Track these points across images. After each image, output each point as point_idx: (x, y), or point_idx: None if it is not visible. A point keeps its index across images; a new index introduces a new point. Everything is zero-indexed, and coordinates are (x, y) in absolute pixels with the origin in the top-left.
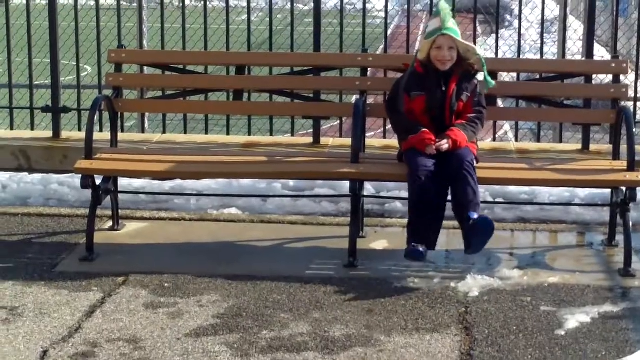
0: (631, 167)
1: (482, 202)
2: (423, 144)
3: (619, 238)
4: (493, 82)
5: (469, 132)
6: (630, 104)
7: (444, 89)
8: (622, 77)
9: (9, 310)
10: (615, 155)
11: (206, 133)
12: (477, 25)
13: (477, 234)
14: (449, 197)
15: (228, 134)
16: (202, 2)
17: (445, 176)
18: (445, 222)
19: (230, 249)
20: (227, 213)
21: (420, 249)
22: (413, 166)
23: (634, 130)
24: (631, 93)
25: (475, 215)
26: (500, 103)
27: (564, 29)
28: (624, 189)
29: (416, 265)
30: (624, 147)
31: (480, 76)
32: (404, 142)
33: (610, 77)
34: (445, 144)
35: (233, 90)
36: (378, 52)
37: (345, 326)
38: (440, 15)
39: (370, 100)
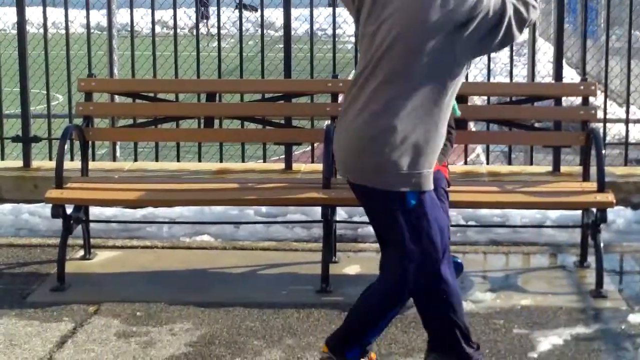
0: (601, 189)
1: (455, 226)
2: None
3: (591, 259)
4: (458, 112)
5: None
6: (599, 125)
7: None
8: (591, 99)
9: None
10: (586, 177)
11: (178, 160)
12: None
13: None
14: None
15: (200, 161)
16: (173, 30)
17: None
18: None
19: (202, 276)
20: (199, 240)
21: None
22: None
23: (604, 151)
24: (600, 115)
25: None
26: (471, 126)
27: (532, 52)
28: (594, 210)
29: None
30: (594, 169)
31: None
32: None
33: (580, 98)
34: None
35: (204, 117)
36: (349, 78)
37: (319, 352)
38: None
39: None
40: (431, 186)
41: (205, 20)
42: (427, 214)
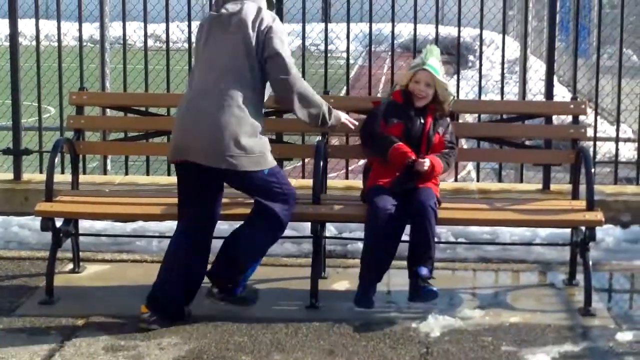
0: (590, 207)
1: (445, 242)
2: (403, 157)
3: (580, 277)
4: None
5: (444, 163)
6: (590, 143)
7: (422, 120)
8: (581, 118)
9: None
10: (575, 195)
11: (169, 174)
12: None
13: (419, 297)
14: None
15: None
16: (165, 44)
17: (406, 215)
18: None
19: None
20: None
21: (367, 302)
22: (374, 207)
23: (593, 170)
24: (591, 133)
25: (424, 271)
26: (462, 144)
27: (523, 70)
28: (583, 228)
29: (378, 305)
30: (584, 187)
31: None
32: (370, 179)
33: (571, 116)
34: (426, 164)
35: None
36: (341, 93)
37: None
38: (424, 51)
39: (333, 141)
40: (274, 163)
41: None
42: (279, 181)
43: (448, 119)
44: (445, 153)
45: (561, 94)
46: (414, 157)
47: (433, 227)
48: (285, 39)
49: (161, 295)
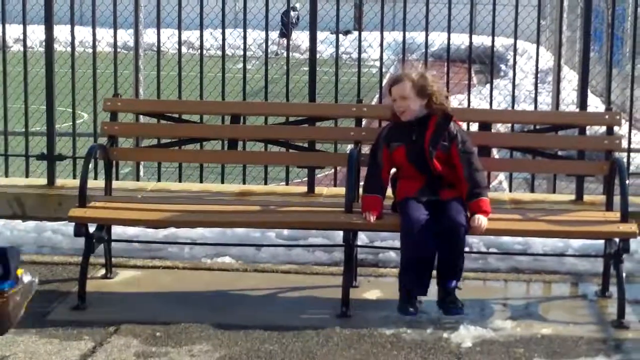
0: (624, 219)
1: (476, 252)
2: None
3: (613, 289)
4: None
5: (484, 194)
6: (624, 154)
7: (419, 138)
8: (615, 129)
9: None
10: (609, 207)
11: (201, 181)
12: (473, 75)
13: (446, 311)
14: None
15: (223, 182)
16: (199, 51)
17: (437, 230)
18: None
19: (223, 297)
20: (221, 262)
21: (411, 309)
22: (407, 219)
23: (627, 181)
24: (625, 144)
25: (452, 284)
26: (495, 154)
27: (557, 81)
28: (617, 240)
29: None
30: (617, 198)
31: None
32: (398, 193)
33: (604, 127)
34: (483, 223)
35: (228, 139)
36: (374, 102)
37: None
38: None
39: (365, 150)
40: None
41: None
42: None
43: (454, 127)
44: (474, 180)
45: (594, 104)
46: (372, 218)
47: (462, 243)
48: None
49: None
